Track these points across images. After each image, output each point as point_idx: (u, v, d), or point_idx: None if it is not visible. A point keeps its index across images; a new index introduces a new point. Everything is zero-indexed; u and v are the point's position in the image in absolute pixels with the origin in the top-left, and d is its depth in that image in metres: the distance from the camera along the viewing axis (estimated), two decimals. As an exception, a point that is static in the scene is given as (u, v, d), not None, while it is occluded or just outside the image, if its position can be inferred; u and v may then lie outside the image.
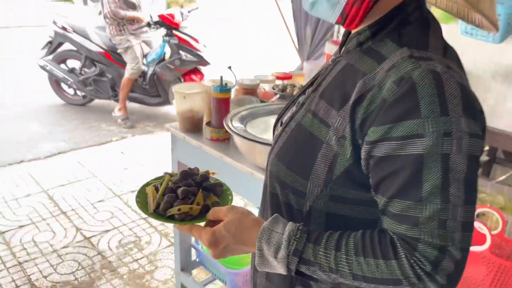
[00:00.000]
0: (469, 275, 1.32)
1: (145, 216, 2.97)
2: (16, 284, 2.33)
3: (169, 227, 2.87)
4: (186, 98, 1.80)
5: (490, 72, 1.52)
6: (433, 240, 0.63)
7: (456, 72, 0.67)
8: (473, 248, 1.28)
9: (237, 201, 2.94)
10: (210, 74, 4.32)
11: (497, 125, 1.54)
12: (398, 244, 0.65)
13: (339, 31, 2.93)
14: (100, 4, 4.56)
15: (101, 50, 4.68)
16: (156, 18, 4.54)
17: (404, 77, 0.65)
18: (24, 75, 6.20)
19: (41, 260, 2.53)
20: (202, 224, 0.86)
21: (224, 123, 1.57)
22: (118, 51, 4.59)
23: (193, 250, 2.17)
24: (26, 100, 5.24)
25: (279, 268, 0.73)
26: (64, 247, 2.65)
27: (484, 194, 1.67)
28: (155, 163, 3.83)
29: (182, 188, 0.88)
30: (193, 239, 2.13)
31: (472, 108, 0.66)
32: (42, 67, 4.89)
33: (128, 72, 4.56)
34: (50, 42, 4.88)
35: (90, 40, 4.68)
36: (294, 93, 2.13)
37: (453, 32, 1.48)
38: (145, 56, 4.73)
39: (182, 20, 4.63)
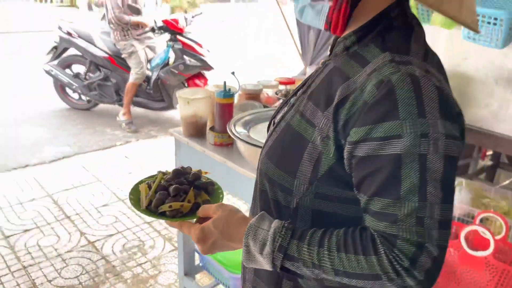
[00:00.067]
0: (473, 280, 1.31)
1: (150, 220, 2.99)
2: (20, 288, 2.35)
3: (173, 231, 2.88)
4: (190, 103, 1.81)
5: (493, 77, 1.52)
6: (411, 237, 0.65)
7: (434, 76, 0.69)
8: (476, 253, 1.28)
9: (240, 205, 2.95)
10: (214, 79, 4.35)
11: (501, 130, 1.54)
12: (378, 241, 0.67)
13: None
14: (104, 9, 4.60)
15: (106, 55, 4.71)
16: (160, 23, 4.57)
17: (383, 81, 0.67)
18: (30, 80, 6.25)
19: (46, 264, 2.54)
20: (193, 221, 0.87)
21: (227, 128, 1.58)
22: (123, 56, 4.62)
23: (196, 255, 2.17)
24: (31, 105, 5.28)
25: (265, 264, 0.75)
26: (68, 251, 2.66)
27: (487, 199, 1.67)
28: (159, 167, 3.82)
29: (173, 186, 0.90)
30: (196, 243, 2.13)
31: (449, 111, 0.68)
32: (47, 72, 4.93)
33: (132, 77, 4.58)
34: (55, 47, 4.92)
35: (95, 45, 4.72)
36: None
37: (455, 37, 1.49)
38: (149, 61, 4.76)
39: (186, 25, 4.66)
